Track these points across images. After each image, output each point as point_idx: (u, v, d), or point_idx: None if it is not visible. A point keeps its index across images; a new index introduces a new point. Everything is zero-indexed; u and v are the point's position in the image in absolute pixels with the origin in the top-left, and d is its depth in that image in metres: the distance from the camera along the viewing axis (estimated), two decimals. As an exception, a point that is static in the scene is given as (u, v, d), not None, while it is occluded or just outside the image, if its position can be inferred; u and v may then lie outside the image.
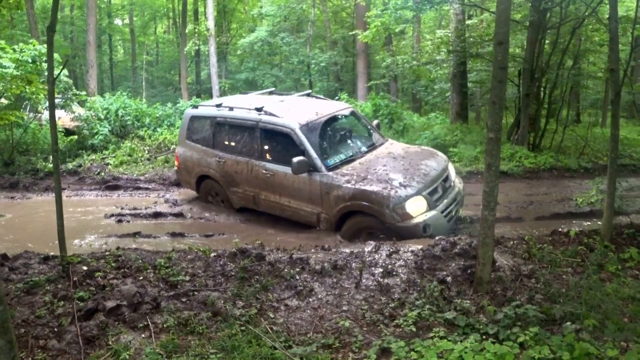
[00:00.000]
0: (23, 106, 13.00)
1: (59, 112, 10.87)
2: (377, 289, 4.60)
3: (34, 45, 11.25)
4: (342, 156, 7.19)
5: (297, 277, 4.80)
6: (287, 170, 6.91)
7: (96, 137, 12.99)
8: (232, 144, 7.87)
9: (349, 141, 7.83)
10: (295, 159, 6.64)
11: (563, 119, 13.83)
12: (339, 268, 4.93)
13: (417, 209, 6.33)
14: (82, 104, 13.98)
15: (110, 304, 4.43)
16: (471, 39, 13.33)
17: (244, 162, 7.64)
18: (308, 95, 9.18)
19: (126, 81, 30.59)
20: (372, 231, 6.50)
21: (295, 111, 7.56)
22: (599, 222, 6.93)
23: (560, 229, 6.54)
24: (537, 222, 7.60)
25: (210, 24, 17.18)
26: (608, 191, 5.65)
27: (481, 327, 3.84)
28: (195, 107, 8.97)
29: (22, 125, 12.55)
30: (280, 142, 7.32)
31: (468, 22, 14.44)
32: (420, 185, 6.51)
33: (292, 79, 20.81)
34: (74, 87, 13.58)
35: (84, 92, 13.64)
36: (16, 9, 4.88)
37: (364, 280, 4.74)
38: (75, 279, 4.94)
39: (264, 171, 7.38)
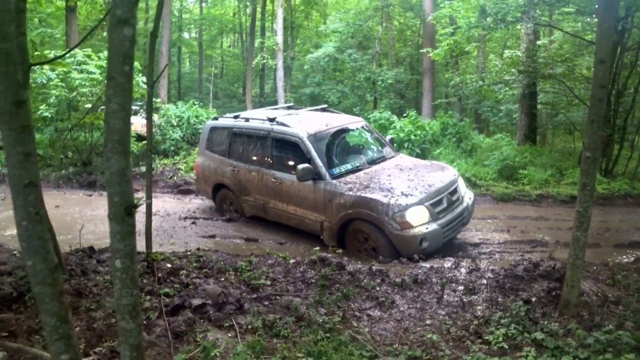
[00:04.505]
0: (100, 110, 13.71)
1: (133, 118, 11.52)
2: (460, 305, 4.56)
3: (117, 54, 11.88)
4: (348, 166, 7.32)
5: (378, 289, 4.83)
6: (294, 178, 7.08)
7: (167, 142, 13.53)
8: (246, 153, 8.15)
9: (357, 152, 7.92)
10: (301, 166, 6.81)
11: (636, 145, 13.30)
12: (419, 282, 4.92)
13: (418, 219, 6.30)
14: (155, 111, 14.61)
15: (196, 301, 4.57)
16: (541, 60, 13.08)
17: (255, 170, 7.90)
18: (323, 109, 9.41)
19: (192, 92, 31.61)
20: (366, 237, 6.57)
21: (305, 122, 7.78)
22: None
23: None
24: (616, 249, 7.31)
25: (279, 38, 17.60)
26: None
27: (571, 350, 3.74)
28: (216, 118, 9.35)
29: (101, 129, 13.22)
30: (289, 151, 7.53)
31: (538, 42, 14.19)
32: (423, 195, 6.48)
33: (357, 95, 20.95)
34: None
35: (158, 100, 14.26)
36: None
37: (445, 296, 4.71)
38: (159, 275, 5.13)
39: (273, 179, 7.60)
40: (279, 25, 17.85)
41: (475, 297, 4.70)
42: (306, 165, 6.86)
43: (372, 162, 7.66)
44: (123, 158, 1.99)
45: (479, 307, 4.52)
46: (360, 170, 7.27)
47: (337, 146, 7.68)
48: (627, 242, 7.64)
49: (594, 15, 11.24)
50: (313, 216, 7.13)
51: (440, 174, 7.25)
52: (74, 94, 11.83)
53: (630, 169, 11.76)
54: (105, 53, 12.08)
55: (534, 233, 7.84)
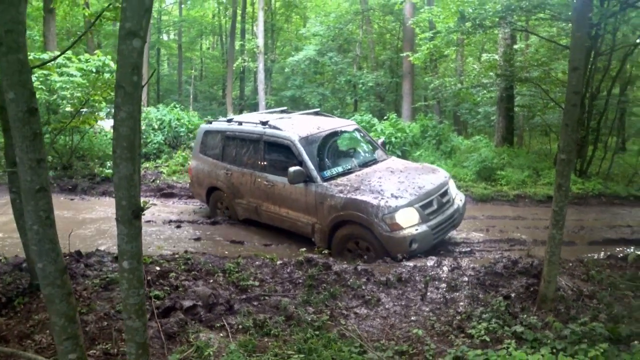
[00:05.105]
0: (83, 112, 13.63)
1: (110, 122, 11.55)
2: (443, 301, 4.75)
3: (98, 57, 11.87)
4: (340, 169, 7.41)
5: (364, 288, 4.99)
6: (286, 181, 7.14)
7: (149, 145, 13.52)
8: (239, 156, 8.25)
9: (348, 155, 8.04)
10: (292, 169, 6.89)
11: (609, 146, 13.73)
12: (403, 280, 5.09)
13: (408, 220, 6.37)
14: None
15: (186, 303, 4.66)
16: (517, 63, 13.42)
17: (248, 173, 8.01)
18: (316, 113, 9.53)
19: (172, 94, 31.48)
20: (358, 240, 6.66)
21: (297, 125, 7.89)
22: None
23: (616, 254, 6.56)
24: (590, 247, 7.59)
25: (260, 41, 17.69)
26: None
27: (549, 342, 3.93)
28: (210, 122, 9.43)
29: (81, 132, 13.16)
30: (281, 153, 7.61)
31: (515, 46, 14.55)
32: (413, 197, 6.57)
33: (337, 97, 21.15)
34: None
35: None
36: (114, 19, 5.21)
37: (429, 293, 4.88)
38: (149, 278, 5.20)
39: (265, 182, 7.69)
40: (259, 27, 17.94)
41: (458, 293, 4.88)
42: (297, 167, 6.94)
43: (364, 164, 7.74)
44: (131, 163, 2.10)
45: (461, 303, 4.71)
46: (351, 172, 7.35)
47: (329, 149, 7.77)
48: (601, 239, 7.93)
49: (568, 22, 11.58)
50: (305, 218, 7.21)
51: (431, 176, 7.34)
52: (54, 97, 11.74)
53: (604, 170, 12.12)
54: (86, 55, 12.07)
55: (512, 232, 8.09)
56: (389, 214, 6.28)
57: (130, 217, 2.14)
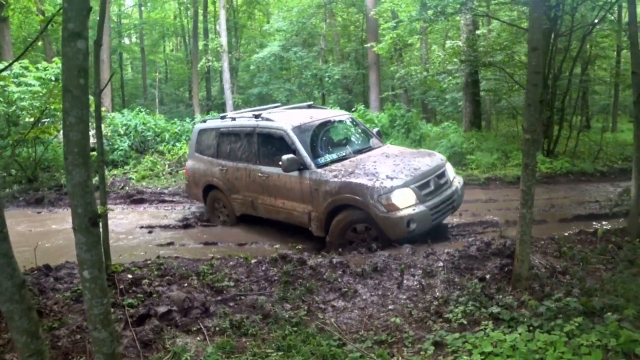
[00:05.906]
0: (40, 124, 13.26)
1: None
2: (419, 288, 4.76)
3: (56, 64, 11.57)
4: (334, 155, 7.36)
5: (340, 280, 4.96)
6: (280, 171, 7.08)
7: (116, 152, 13.25)
8: (233, 152, 8.17)
9: (343, 143, 8.02)
10: (285, 157, 6.81)
11: (574, 125, 14.02)
12: (379, 270, 5.08)
13: (405, 201, 6.27)
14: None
15: (161, 309, 4.56)
16: (481, 49, 13.57)
17: (243, 168, 7.92)
18: (309, 106, 9.50)
19: (137, 99, 30.97)
20: (358, 224, 6.57)
21: (290, 116, 7.88)
22: (620, 222, 7.16)
23: (586, 229, 6.68)
24: (561, 224, 7.72)
25: (224, 40, 17.49)
26: (635, 191, 5.79)
27: (525, 320, 3.97)
28: (204, 121, 9.39)
29: (45, 143, 12.82)
30: (275, 144, 7.54)
31: (477, 32, 14.71)
32: (409, 178, 6.49)
33: (305, 92, 21.11)
34: (93, 104, 13.87)
35: (103, 108, 13.92)
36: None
37: (405, 281, 4.89)
38: (121, 286, 5.08)
39: (260, 174, 7.59)
40: (222, 26, 17.72)
41: (434, 279, 4.90)
42: (291, 155, 6.84)
43: (358, 151, 7.68)
44: (84, 169, 2.02)
45: (438, 288, 4.73)
46: (346, 159, 7.29)
47: (323, 138, 7.72)
48: (571, 216, 8.08)
49: (528, 5, 11.75)
50: (301, 207, 7.09)
51: (427, 158, 7.28)
52: (13, 108, 11.41)
53: (570, 148, 12.38)
54: (44, 63, 11.77)
55: (484, 214, 8.18)
56: (385, 195, 6.17)
57: (88, 225, 2.06)
